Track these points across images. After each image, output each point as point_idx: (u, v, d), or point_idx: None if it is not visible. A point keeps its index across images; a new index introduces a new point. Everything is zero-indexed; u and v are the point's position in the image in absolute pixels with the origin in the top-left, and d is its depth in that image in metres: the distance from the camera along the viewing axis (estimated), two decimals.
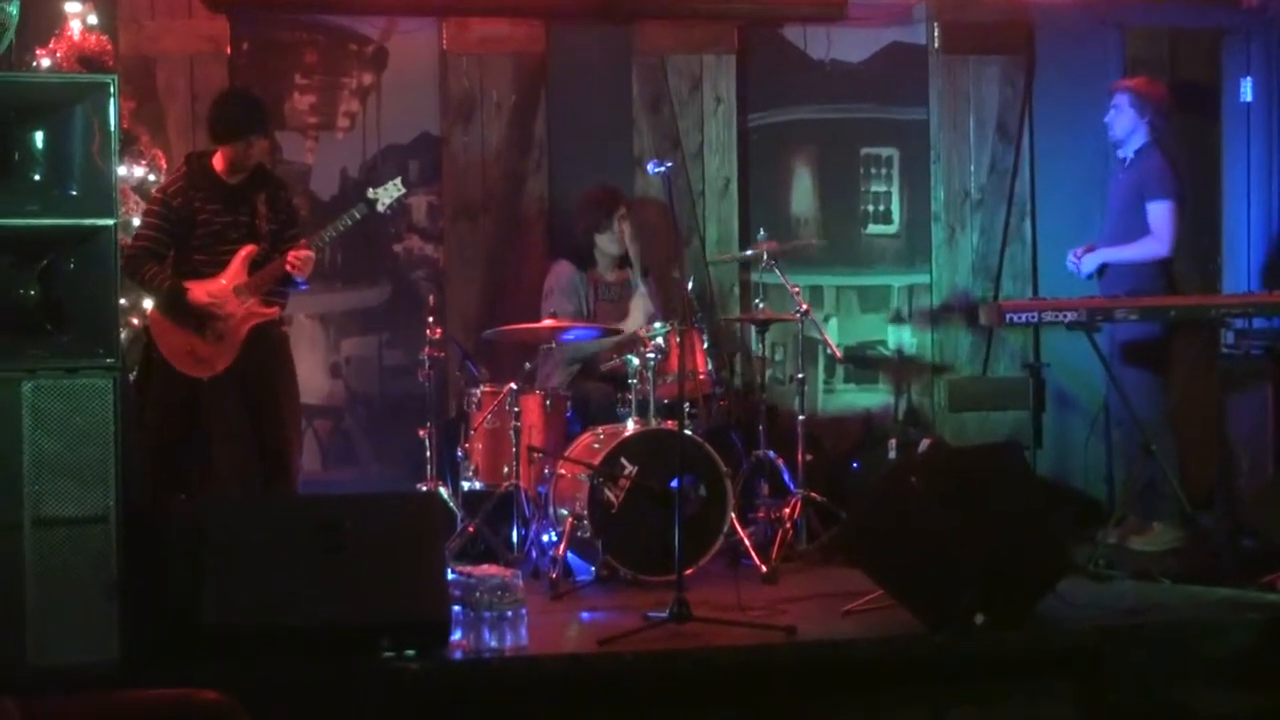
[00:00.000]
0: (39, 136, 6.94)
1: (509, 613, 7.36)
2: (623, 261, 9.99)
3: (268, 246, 8.66)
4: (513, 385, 9.12)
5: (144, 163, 9.11)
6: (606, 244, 9.92)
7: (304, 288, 8.89)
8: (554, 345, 9.53)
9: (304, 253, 8.58)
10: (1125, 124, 9.77)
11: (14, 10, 8.11)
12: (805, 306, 9.65)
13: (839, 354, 10.20)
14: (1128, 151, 9.80)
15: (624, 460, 8.65)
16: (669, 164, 8.38)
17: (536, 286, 10.02)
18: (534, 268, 10.26)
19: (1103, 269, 9.72)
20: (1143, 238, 9.57)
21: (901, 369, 11.05)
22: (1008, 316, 9.27)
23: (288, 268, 8.57)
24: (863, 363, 11.01)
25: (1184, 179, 9.77)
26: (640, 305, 9.79)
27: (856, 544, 8.12)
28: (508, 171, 10.53)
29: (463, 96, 10.46)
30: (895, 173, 11.21)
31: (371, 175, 10.22)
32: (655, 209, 10.45)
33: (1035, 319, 9.31)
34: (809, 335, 9.98)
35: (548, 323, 9.31)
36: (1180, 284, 9.77)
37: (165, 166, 9.22)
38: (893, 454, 10.14)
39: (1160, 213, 9.55)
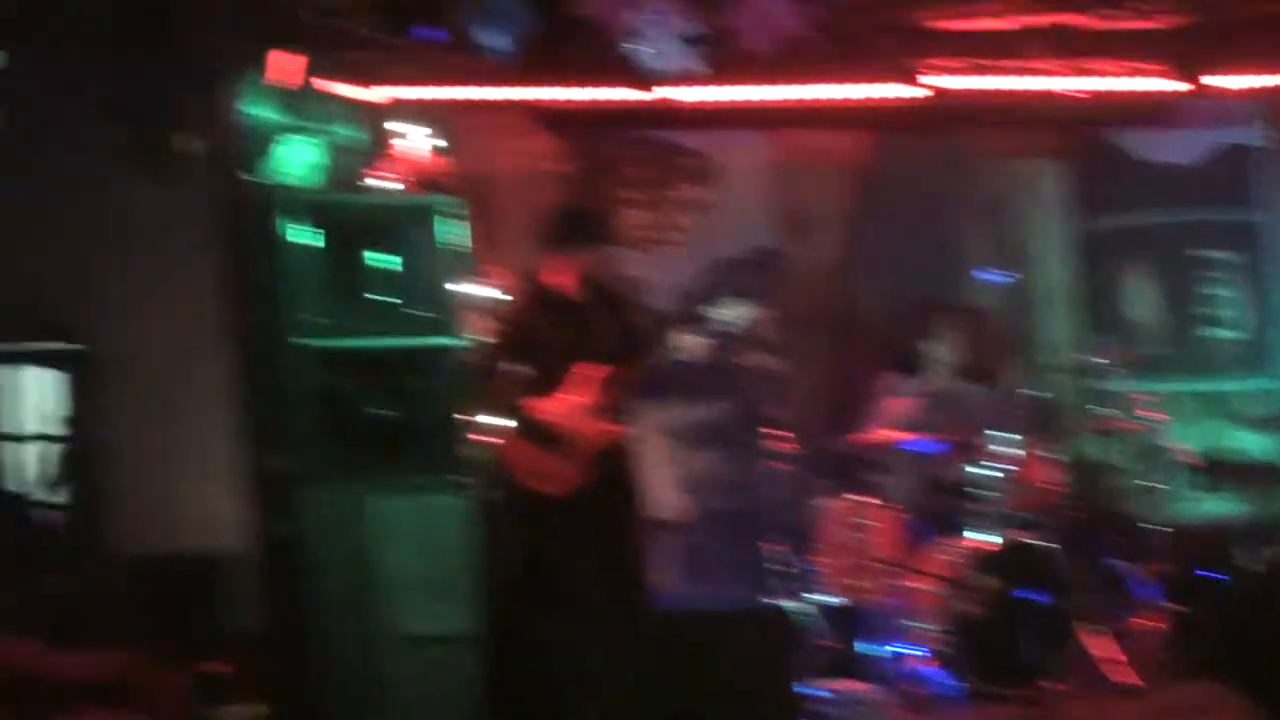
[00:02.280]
0: (385, 257, 7.05)
1: None
2: (954, 370, 9.89)
3: (612, 363, 8.61)
4: (858, 496, 9.02)
5: (484, 281, 9.15)
6: (936, 351, 9.82)
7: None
8: (895, 455, 9.45)
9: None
10: None
11: (358, 134, 8.28)
12: (1152, 413, 9.47)
13: (1191, 460, 9.99)
14: None
15: (977, 572, 8.54)
16: (1004, 272, 8.31)
17: (874, 395, 9.91)
18: (870, 376, 10.11)
19: None
20: None
21: (1255, 475, 10.75)
22: None
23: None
24: (1215, 470, 10.74)
25: None
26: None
27: (1226, 658, 7.89)
28: (842, 281, 10.46)
29: (794, 208, 10.43)
30: (1234, 275, 10.98)
31: (705, 290, 10.21)
32: (990, 318, 10.33)
33: None
34: (1157, 442, 9.73)
35: (887, 434, 9.21)
36: None
37: (504, 285, 9.24)
38: (1256, 565, 9.86)
39: None
